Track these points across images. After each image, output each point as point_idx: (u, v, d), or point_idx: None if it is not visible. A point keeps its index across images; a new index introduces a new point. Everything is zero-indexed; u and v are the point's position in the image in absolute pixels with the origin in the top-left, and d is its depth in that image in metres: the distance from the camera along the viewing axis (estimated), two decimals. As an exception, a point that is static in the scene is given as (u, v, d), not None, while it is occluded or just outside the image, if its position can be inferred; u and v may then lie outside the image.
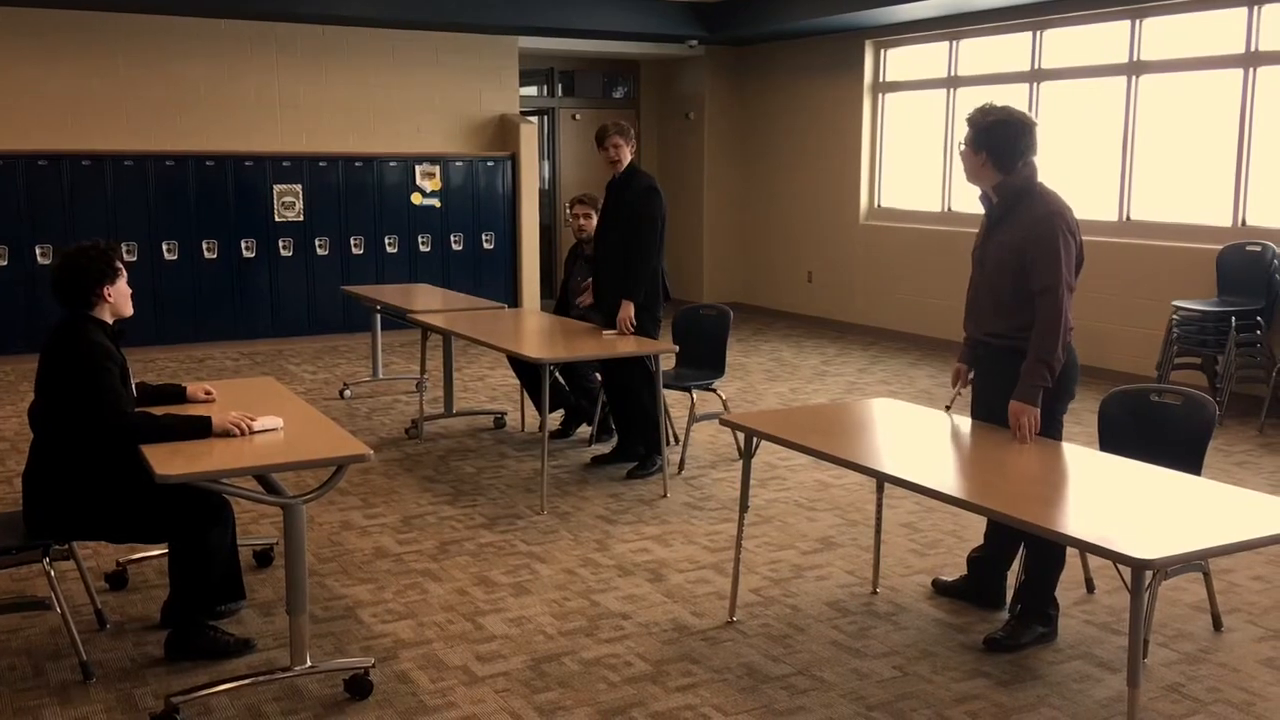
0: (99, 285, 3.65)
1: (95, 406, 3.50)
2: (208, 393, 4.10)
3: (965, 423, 3.97)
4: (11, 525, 3.71)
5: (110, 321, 3.71)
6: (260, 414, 3.72)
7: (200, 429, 3.56)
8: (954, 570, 4.44)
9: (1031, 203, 3.81)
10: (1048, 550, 3.82)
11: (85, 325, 3.62)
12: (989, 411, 3.93)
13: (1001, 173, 3.82)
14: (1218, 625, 4.00)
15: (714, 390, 6.17)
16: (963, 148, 3.89)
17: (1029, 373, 3.71)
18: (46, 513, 3.59)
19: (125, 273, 3.75)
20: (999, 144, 3.78)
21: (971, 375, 4.10)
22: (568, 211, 6.79)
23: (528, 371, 6.35)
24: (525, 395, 6.79)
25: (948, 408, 4.13)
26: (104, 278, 3.66)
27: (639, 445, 5.98)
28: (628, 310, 5.73)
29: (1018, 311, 3.79)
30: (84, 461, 3.56)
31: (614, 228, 5.87)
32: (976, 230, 4.09)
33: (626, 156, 5.81)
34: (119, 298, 3.71)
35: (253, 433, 3.62)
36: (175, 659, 3.69)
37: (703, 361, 6.15)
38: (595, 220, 6.35)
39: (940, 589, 4.34)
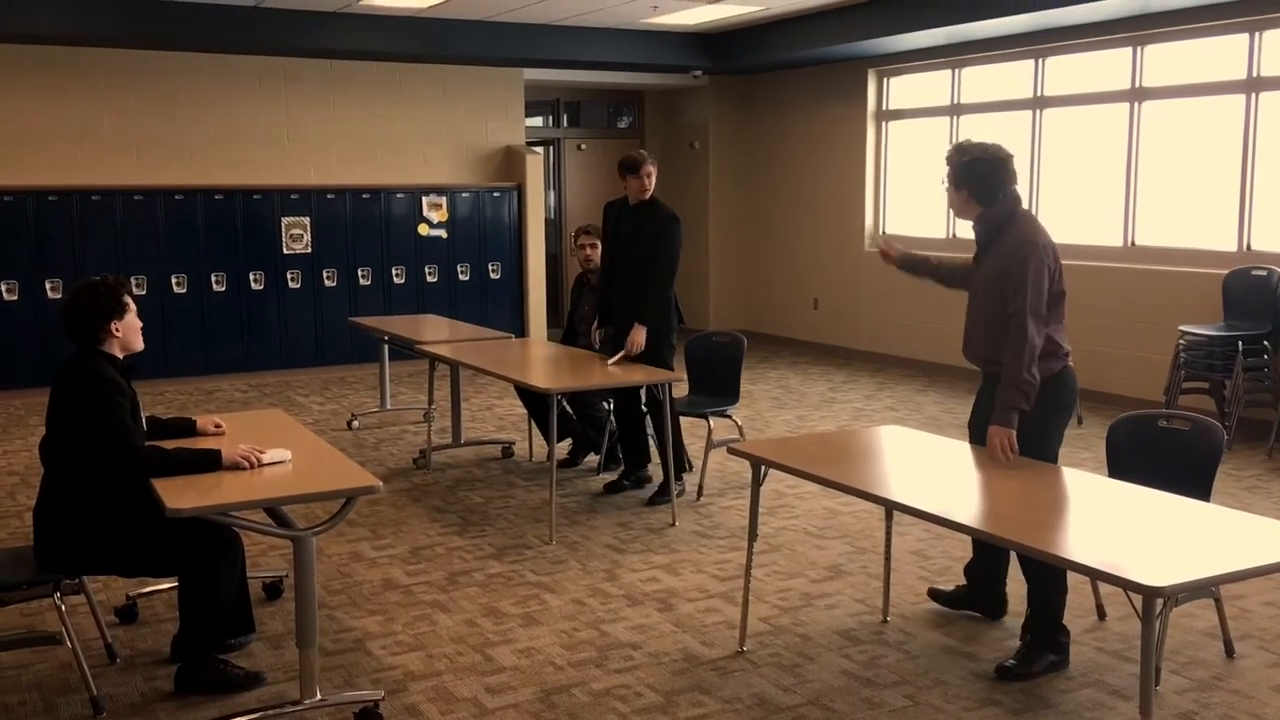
0: (108, 321, 3.67)
1: (105, 441, 3.52)
2: (218, 425, 4.12)
3: (975, 450, 3.97)
4: (22, 560, 3.72)
5: (120, 356, 3.73)
6: (269, 446, 3.74)
7: (210, 462, 3.58)
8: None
9: (1009, 229, 3.94)
10: (1049, 577, 3.83)
11: (95, 360, 3.65)
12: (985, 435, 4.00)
13: (983, 206, 3.96)
14: (1230, 652, 3.98)
15: (729, 417, 6.17)
16: (945, 185, 4.03)
17: (1003, 397, 3.81)
18: (57, 547, 3.60)
19: (134, 307, 3.77)
20: (978, 180, 3.93)
21: (892, 255, 4.46)
22: (573, 242, 6.81)
23: (534, 401, 6.36)
24: (533, 424, 6.79)
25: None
26: (112, 313, 3.69)
27: (644, 471, 6.03)
28: (640, 335, 5.73)
29: (1005, 335, 3.89)
30: (94, 496, 3.57)
31: (630, 252, 5.86)
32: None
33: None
34: (128, 332, 3.73)
35: (262, 465, 3.63)
36: (185, 693, 3.69)
37: (716, 388, 6.15)
38: (600, 250, 6.38)
39: (937, 598, 4.39)
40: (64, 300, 3.75)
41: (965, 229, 9.47)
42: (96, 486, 3.57)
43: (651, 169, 5.84)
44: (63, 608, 3.62)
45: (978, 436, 4.06)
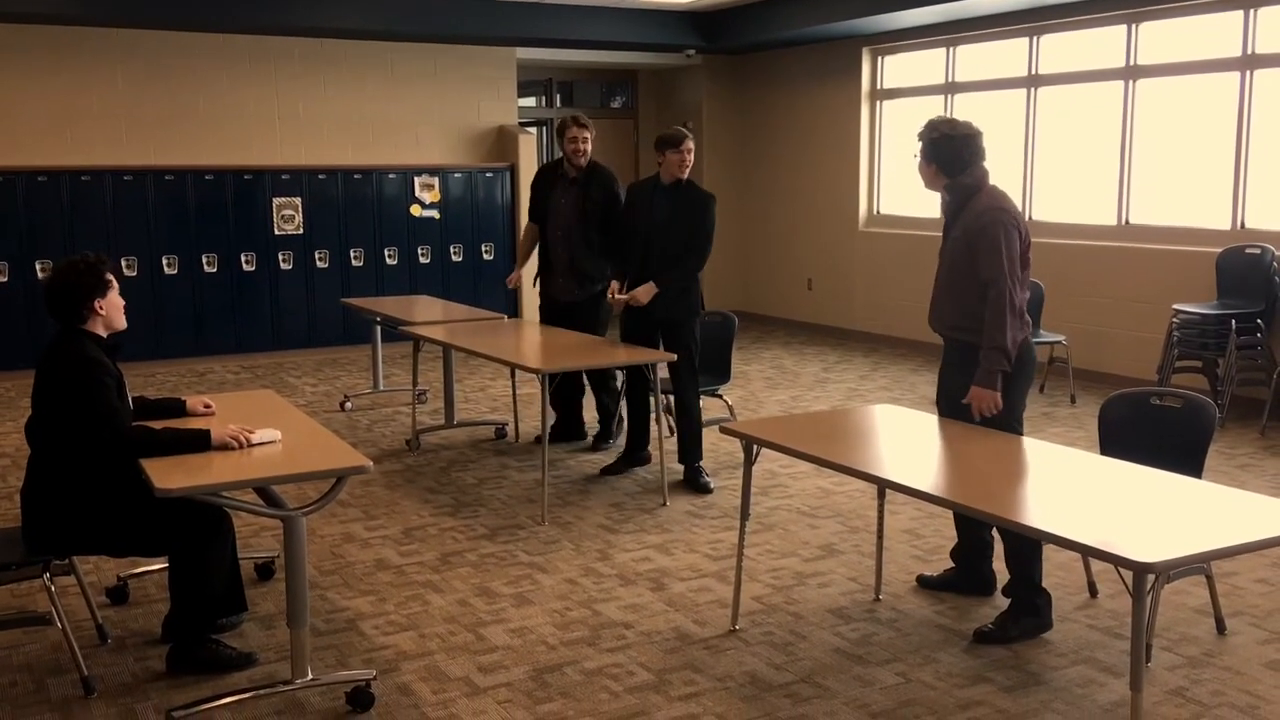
0: (90, 299, 3.64)
1: (92, 421, 3.50)
2: (207, 406, 4.10)
3: (966, 428, 3.97)
4: (12, 541, 3.71)
5: (104, 335, 3.71)
6: (260, 427, 3.72)
7: (199, 442, 3.56)
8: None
9: (977, 199, 4.06)
10: (1023, 544, 3.89)
11: (79, 340, 3.62)
12: (953, 404, 4.12)
13: (950, 179, 4.09)
14: (1221, 628, 3.99)
15: (719, 396, 6.16)
16: (916, 159, 4.16)
17: (985, 359, 3.93)
18: (44, 528, 3.58)
19: (116, 285, 3.74)
20: (946, 155, 4.07)
21: None
22: (561, 134, 6.37)
23: (566, 381, 6.35)
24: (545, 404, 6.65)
25: None
26: (94, 291, 3.65)
27: (644, 453, 6.09)
28: (649, 292, 5.69)
29: (973, 303, 4.01)
30: (81, 476, 3.56)
31: (668, 234, 5.73)
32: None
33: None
34: (111, 310, 3.70)
35: (251, 445, 3.62)
36: (177, 673, 3.69)
37: (708, 367, 6.15)
38: (590, 144, 6.29)
39: (926, 584, 4.42)
40: (47, 279, 3.72)
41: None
42: (83, 467, 3.55)
43: (692, 145, 5.72)
44: (53, 588, 3.60)
45: (946, 410, 4.18)
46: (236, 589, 3.99)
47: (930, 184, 4.20)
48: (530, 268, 6.88)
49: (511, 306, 10.58)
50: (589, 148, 6.31)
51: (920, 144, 4.15)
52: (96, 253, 3.80)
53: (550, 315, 6.60)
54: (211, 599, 3.73)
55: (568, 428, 6.72)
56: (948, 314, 4.17)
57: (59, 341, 3.63)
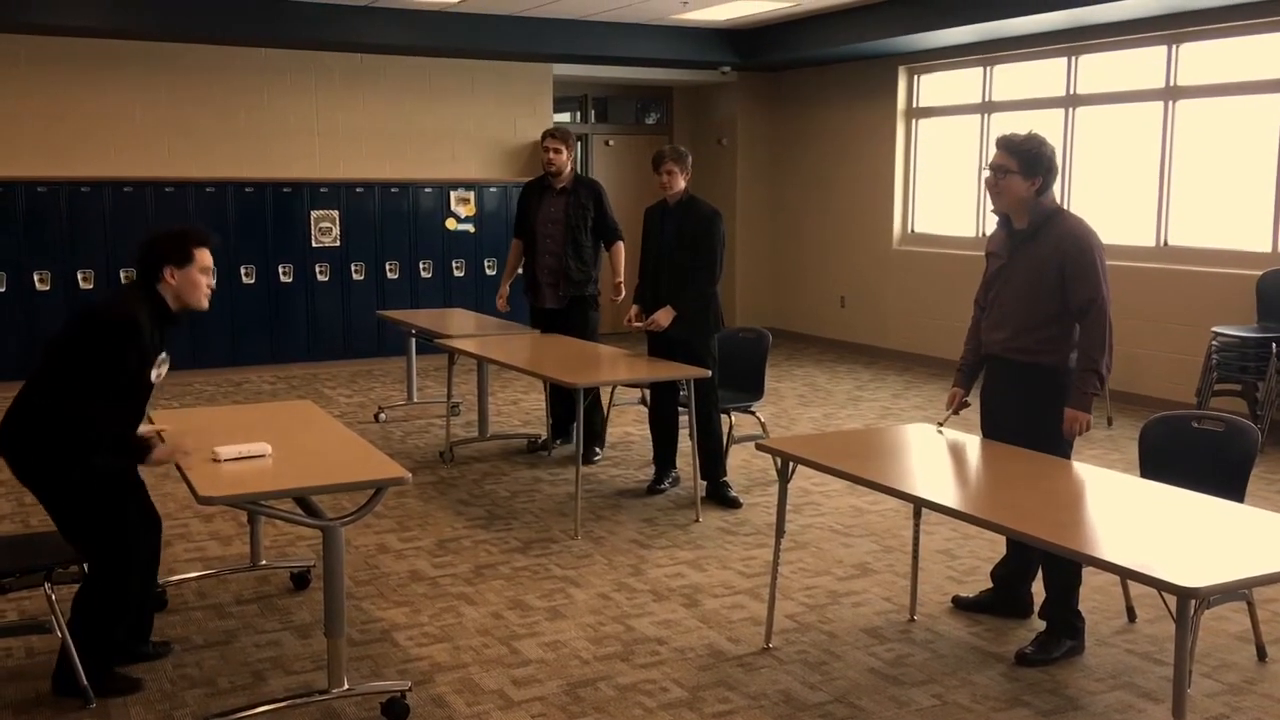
0: (162, 264, 3.57)
1: (83, 379, 3.40)
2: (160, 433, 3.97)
3: (1000, 448, 3.94)
4: (18, 548, 3.72)
5: (172, 306, 3.63)
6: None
7: (138, 453, 3.50)
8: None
9: (1061, 220, 3.98)
10: (1065, 566, 3.87)
11: (135, 299, 3.54)
12: (997, 426, 4.11)
13: (1040, 195, 3.97)
14: (1262, 655, 3.94)
15: (752, 413, 6.16)
16: (1005, 176, 3.95)
17: (1082, 382, 3.91)
18: (25, 451, 3.48)
19: (203, 264, 3.62)
20: (1049, 170, 3.95)
21: (966, 398, 4.32)
22: (542, 144, 6.66)
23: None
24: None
25: (940, 426, 4.20)
26: (169, 258, 3.57)
27: (675, 470, 6.04)
28: (668, 315, 5.74)
29: (1046, 325, 3.96)
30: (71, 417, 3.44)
31: (675, 254, 5.78)
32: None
33: (680, 183, 5.78)
34: (184, 285, 3.60)
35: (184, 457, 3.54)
36: (63, 695, 3.58)
37: (741, 384, 6.15)
38: (564, 155, 6.48)
39: (962, 605, 4.39)
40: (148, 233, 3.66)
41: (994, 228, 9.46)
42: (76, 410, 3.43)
43: (673, 166, 5.74)
44: (52, 596, 3.56)
45: (991, 431, 4.14)
46: (147, 619, 3.86)
47: (1012, 204, 3.97)
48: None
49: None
50: (561, 159, 6.56)
51: (1016, 159, 3.89)
52: (205, 229, 3.70)
53: (540, 324, 6.90)
54: (122, 622, 3.63)
55: (566, 430, 6.88)
56: (1009, 336, 4.05)
57: (121, 290, 3.57)
